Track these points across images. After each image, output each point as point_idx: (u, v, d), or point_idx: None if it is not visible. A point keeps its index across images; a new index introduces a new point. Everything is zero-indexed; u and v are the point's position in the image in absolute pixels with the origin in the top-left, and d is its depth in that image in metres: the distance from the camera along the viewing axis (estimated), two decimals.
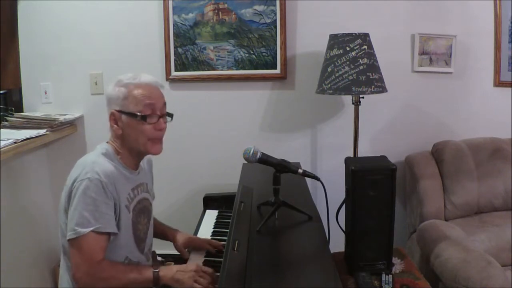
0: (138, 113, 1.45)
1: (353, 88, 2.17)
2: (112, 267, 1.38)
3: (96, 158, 1.44)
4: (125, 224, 1.46)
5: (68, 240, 1.36)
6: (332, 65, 2.22)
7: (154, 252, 1.55)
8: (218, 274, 1.40)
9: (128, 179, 1.51)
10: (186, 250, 1.73)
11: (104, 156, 1.47)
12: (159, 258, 2.63)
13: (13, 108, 2.56)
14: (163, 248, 2.51)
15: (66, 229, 1.41)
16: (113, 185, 1.41)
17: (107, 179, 1.38)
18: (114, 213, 1.42)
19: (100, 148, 1.51)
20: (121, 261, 1.47)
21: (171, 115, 1.56)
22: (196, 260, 1.65)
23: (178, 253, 1.74)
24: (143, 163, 1.64)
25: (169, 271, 1.41)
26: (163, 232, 1.79)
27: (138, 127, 1.46)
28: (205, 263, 1.64)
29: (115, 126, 1.49)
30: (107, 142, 1.54)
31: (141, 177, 1.60)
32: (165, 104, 1.54)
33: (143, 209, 1.58)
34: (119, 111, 1.47)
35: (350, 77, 2.17)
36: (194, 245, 1.74)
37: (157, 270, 1.40)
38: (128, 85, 1.47)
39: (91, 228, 1.33)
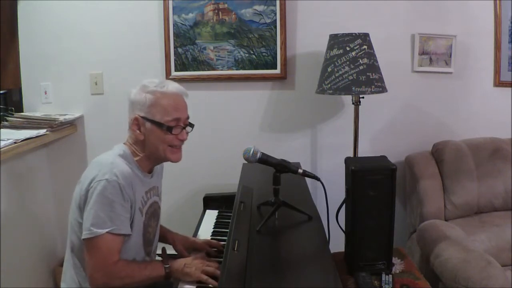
0: (164, 123, 1.47)
1: (353, 88, 2.17)
2: (127, 266, 1.41)
3: (114, 159, 1.45)
4: (137, 227, 1.48)
5: (84, 239, 1.37)
6: (332, 65, 2.22)
7: (164, 248, 1.58)
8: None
9: (143, 182, 1.53)
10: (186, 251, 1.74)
11: (121, 158, 1.47)
12: (159, 258, 2.64)
13: (13, 108, 2.57)
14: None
15: (77, 226, 1.43)
16: (130, 187, 1.42)
17: (124, 181, 1.40)
18: (130, 215, 1.43)
19: (117, 149, 1.51)
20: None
21: (192, 126, 1.59)
22: None
23: (177, 254, 1.75)
24: (156, 166, 1.65)
25: (178, 265, 1.46)
26: (163, 235, 1.79)
27: (161, 136, 1.49)
28: None
29: (138, 131, 1.50)
30: (124, 144, 1.55)
31: (154, 181, 1.62)
32: (188, 114, 1.57)
33: (153, 212, 1.60)
34: (144, 118, 1.48)
35: (350, 77, 2.17)
36: (194, 247, 1.75)
37: (168, 265, 1.45)
38: (155, 93, 1.48)
39: (107, 229, 1.35)
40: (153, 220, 1.60)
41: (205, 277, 1.43)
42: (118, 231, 1.37)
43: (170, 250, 1.70)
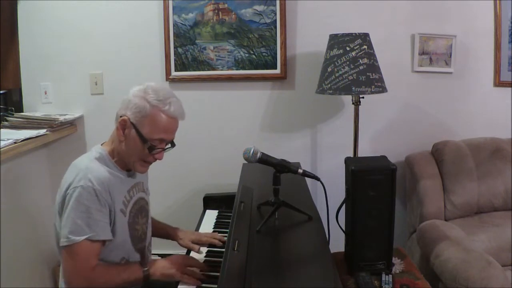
0: (148, 140, 1.43)
1: (353, 88, 2.17)
2: (105, 270, 1.40)
3: (89, 164, 1.42)
4: (121, 228, 1.46)
5: (62, 246, 1.35)
6: (332, 65, 2.22)
7: (144, 251, 1.56)
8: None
9: (123, 181, 1.50)
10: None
11: (97, 161, 1.45)
12: (159, 258, 2.63)
13: (13, 108, 2.57)
14: (163, 248, 2.52)
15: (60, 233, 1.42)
16: (107, 192, 1.39)
17: (100, 187, 1.37)
18: (109, 219, 1.41)
19: (94, 152, 1.48)
20: (117, 261, 1.47)
21: (173, 145, 1.53)
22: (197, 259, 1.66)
23: (178, 254, 1.74)
24: None
25: (157, 267, 1.46)
26: (166, 231, 1.79)
27: (139, 149, 1.44)
28: (206, 263, 1.64)
29: (121, 132, 1.45)
30: (101, 145, 1.52)
31: (137, 177, 1.58)
32: (174, 136, 1.51)
33: (140, 209, 1.57)
34: (132, 123, 1.43)
35: (350, 77, 2.17)
36: (201, 241, 1.75)
37: (146, 268, 1.45)
38: (155, 108, 1.42)
39: (85, 236, 1.33)
40: (141, 217, 1.57)
41: (187, 279, 1.43)
42: (97, 237, 1.35)
43: (170, 249, 1.70)
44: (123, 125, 1.44)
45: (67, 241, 1.34)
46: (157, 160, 1.50)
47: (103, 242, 1.40)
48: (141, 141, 1.43)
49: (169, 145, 1.52)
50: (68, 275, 1.37)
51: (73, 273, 1.35)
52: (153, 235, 1.76)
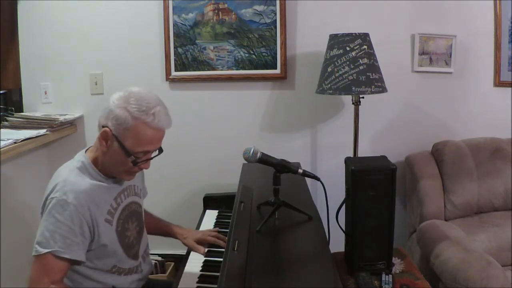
0: (132, 154, 1.36)
1: (353, 88, 2.17)
2: None
3: (69, 176, 1.36)
4: (109, 238, 1.41)
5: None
6: (332, 65, 2.22)
7: None
8: None
9: (109, 189, 1.44)
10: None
11: (79, 171, 1.39)
12: (159, 258, 2.64)
13: (13, 108, 2.57)
14: (163, 248, 2.52)
15: None
16: (85, 206, 1.33)
17: (77, 201, 1.31)
18: (90, 235, 1.36)
19: (76, 161, 1.43)
20: (107, 270, 1.44)
21: (161, 151, 1.45)
22: (196, 259, 1.67)
23: (178, 253, 1.74)
24: None
25: None
26: (167, 230, 1.77)
27: (123, 161, 1.38)
28: (205, 263, 1.65)
29: (103, 142, 1.37)
30: (86, 151, 1.47)
31: (127, 181, 1.52)
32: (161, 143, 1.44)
33: (130, 214, 1.52)
34: (114, 135, 1.35)
35: (350, 77, 2.17)
36: (206, 241, 1.74)
37: None
38: (137, 120, 1.33)
39: (49, 250, 1.28)
40: (131, 222, 1.52)
41: None
42: (61, 254, 1.29)
43: (171, 249, 1.70)
44: (105, 136, 1.36)
45: (34, 251, 1.30)
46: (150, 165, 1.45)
47: (72, 261, 1.33)
48: (124, 154, 1.36)
49: (156, 152, 1.44)
50: (28, 283, 1.31)
51: (30, 283, 1.30)
52: (152, 232, 1.75)
